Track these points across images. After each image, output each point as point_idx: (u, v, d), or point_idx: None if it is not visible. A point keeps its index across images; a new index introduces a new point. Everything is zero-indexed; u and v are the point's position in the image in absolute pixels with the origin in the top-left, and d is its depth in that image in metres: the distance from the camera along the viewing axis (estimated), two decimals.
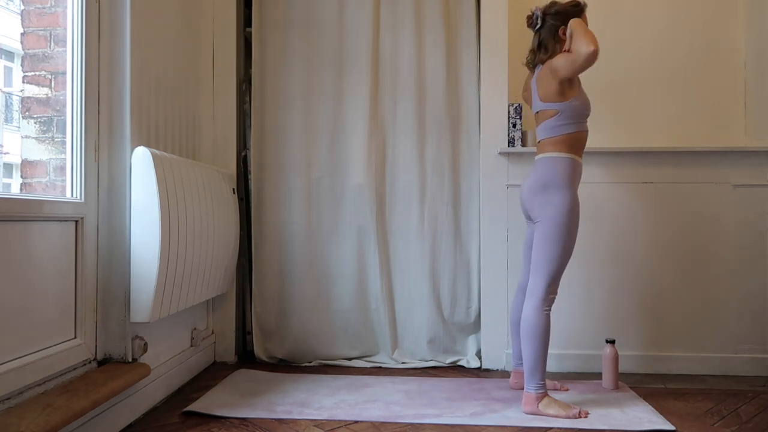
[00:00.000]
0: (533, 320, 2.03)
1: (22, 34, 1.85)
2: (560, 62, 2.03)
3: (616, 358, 2.35)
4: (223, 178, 2.55)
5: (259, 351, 2.76)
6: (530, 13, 2.21)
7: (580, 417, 1.98)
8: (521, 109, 2.70)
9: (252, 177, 2.81)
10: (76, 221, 1.74)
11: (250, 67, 2.84)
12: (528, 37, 2.84)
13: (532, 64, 2.24)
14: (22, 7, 1.85)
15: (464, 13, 2.80)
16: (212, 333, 2.71)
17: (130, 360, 1.88)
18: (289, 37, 2.80)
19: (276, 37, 2.80)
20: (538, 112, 2.17)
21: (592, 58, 1.91)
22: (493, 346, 2.68)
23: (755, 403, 2.21)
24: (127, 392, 1.86)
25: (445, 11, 2.79)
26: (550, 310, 2.06)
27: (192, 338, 2.45)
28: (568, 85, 2.07)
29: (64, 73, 1.80)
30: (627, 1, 2.84)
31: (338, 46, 2.80)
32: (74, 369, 1.70)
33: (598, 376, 2.49)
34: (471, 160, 2.78)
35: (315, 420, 1.96)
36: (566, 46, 2.08)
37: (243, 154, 2.87)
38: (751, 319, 2.62)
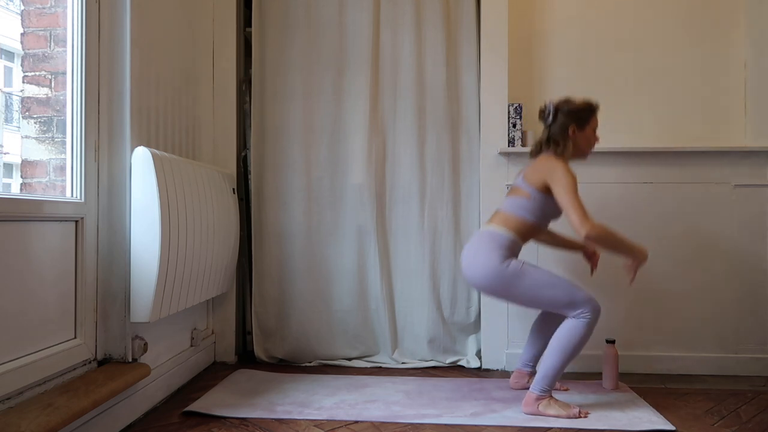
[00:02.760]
0: (575, 331, 2.01)
1: (22, 34, 1.85)
2: (564, 188, 1.98)
3: (616, 358, 2.35)
4: (223, 178, 2.55)
5: (259, 351, 2.76)
6: (543, 106, 2.19)
7: (580, 417, 1.98)
8: (521, 109, 2.70)
9: (252, 177, 2.81)
10: (76, 221, 1.74)
11: (250, 67, 2.84)
12: (528, 38, 2.86)
13: (536, 154, 2.20)
14: (22, 7, 1.85)
15: (464, 13, 2.79)
16: (212, 333, 2.71)
17: (130, 360, 1.88)
18: (289, 37, 2.80)
19: (276, 37, 2.80)
20: (513, 186, 2.19)
21: (577, 233, 1.96)
22: (493, 346, 2.68)
23: (755, 403, 2.21)
24: (127, 392, 1.86)
25: (445, 11, 2.79)
26: (591, 319, 2.02)
27: (192, 338, 2.45)
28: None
29: (64, 73, 1.80)
30: (627, 1, 2.84)
31: (338, 46, 2.80)
32: (74, 369, 1.70)
33: (598, 376, 2.49)
34: (471, 160, 2.78)
35: (315, 420, 1.96)
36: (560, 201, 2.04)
37: (243, 154, 2.87)
38: (751, 319, 2.62)
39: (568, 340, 2.00)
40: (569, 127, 2.11)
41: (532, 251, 2.66)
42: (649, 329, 2.65)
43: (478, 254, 2.06)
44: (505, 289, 2.04)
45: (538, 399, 2.02)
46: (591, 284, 2.66)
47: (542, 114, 2.19)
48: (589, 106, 2.15)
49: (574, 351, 2.00)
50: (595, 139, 2.18)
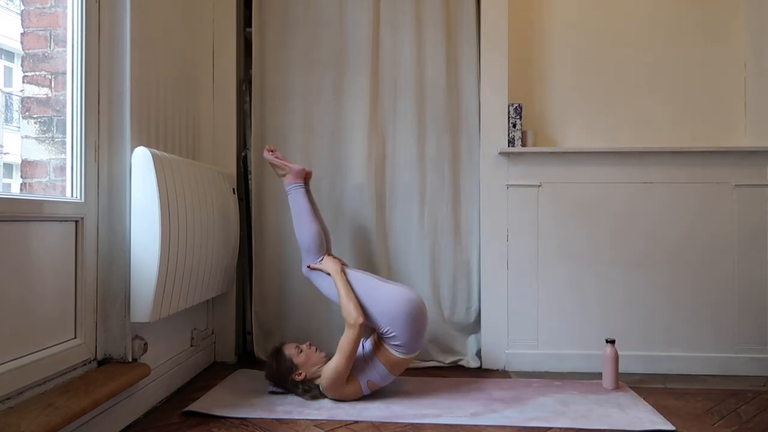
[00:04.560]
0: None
1: (22, 34, 1.85)
2: (332, 369, 2.09)
3: (616, 358, 2.35)
4: (223, 178, 2.55)
5: (259, 351, 2.76)
6: (272, 390, 2.25)
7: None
8: (521, 109, 2.70)
9: (252, 177, 2.81)
10: (76, 221, 1.74)
11: (250, 67, 2.84)
12: (528, 38, 2.86)
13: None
14: (22, 7, 1.85)
15: (464, 13, 2.79)
16: (212, 333, 2.71)
17: (130, 360, 1.88)
18: (289, 37, 2.80)
19: (276, 37, 2.80)
20: None
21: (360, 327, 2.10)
22: (493, 346, 2.68)
23: (755, 403, 2.21)
24: (127, 392, 1.86)
25: (445, 11, 2.78)
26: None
27: (192, 338, 2.45)
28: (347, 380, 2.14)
29: (64, 73, 1.81)
30: (627, 1, 2.84)
31: (338, 46, 2.80)
32: (74, 369, 1.70)
33: (598, 376, 2.49)
34: (471, 160, 2.78)
35: (315, 420, 1.96)
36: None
37: (243, 154, 2.87)
38: (751, 319, 2.62)
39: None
40: (293, 377, 2.18)
41: (531, 255, 2.67)
42: (649, 329, 2.65)
43: None
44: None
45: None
46: (591, 284, 2.67)
47: (278, 393, 2.26)
48: (276, 356, 2.23)
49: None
50: (307, 348, 2.22)
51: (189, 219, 2.08)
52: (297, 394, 2.20)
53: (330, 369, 2.11)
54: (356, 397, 2.15)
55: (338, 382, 2.11)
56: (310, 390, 2.18)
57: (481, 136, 2.72)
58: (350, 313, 2.11)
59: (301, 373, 2.18)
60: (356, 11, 2.79)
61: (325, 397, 2.17)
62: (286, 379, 2.20)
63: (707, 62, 2.82)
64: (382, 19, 2.81)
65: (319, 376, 2.17)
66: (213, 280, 2.40)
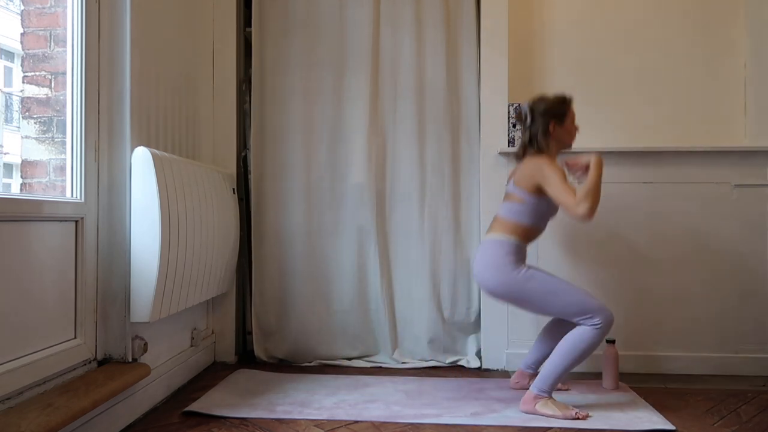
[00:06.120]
0: (584, 337, 1.98)
1: (22, 34, 1.85)
2: (553, 182, 1.99)
3: (616, 358, 2.35)
4: (223, 178, 2.55)
5: (259, 351, 2.76)
6: (518, 109, 2.21)
7: (577, 418, 1.97)
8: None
9: (252, 177, 2.80)
10: (76, 221, 1.74)
11: (250, 67, 2.84)
12: (528, 38, 2.86)
13: (522, 156, 2.20)
14: (22, 7, 1.86)
15: (464, 13, 2.79)
16: (212, 333, 2.71)
17: (130, 360, 1.88)
18: (289, 37, 2.80)
19: (276, 37, 2.80)
20: (507, 192, 2.20)
21: (578, 219, 1.95)
22: (493, 346, 2.68)
23: (755, 403, 2.21)
24: (127, 392, 1.86)
25: (445, 11, 2.78)
26: (602, 328, 1.98)
27: (192, 338, 2.45)
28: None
29: (64, 73, 1.80)
30: (627, 1, 2.84)
31: (338, 46, 2.80)
32: (74, 369, 1.70)
33: (598, 376, 2.49)
34: (471, 160, 2.78)
35: (315, 420, 1.96)
36: (575, 170, 2.09)
37: (243, 154, 2.87)
38: (751, 319, 2.62)
39: (575, 344, 1.99)
40: (549, 125, 2.13)
41: (532, 254, 2.67)
42: (649, 329, 2.65)
43: (489, 265, 2.09)
44: (519, 295, 2.07)
45: (537, 398, 2.02)
46: (591, 284, 2.66)
47: (520, 117, 2.22)
48: (563, 99, 2.17)
49: (580, 356, 1.99)
50: (575, 129, 2.20)
51: (189, 219, 2.08)
52: (524, 125, 2.17)
53: (562, 188, 1.95)
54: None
55: (546, 181, 1.99)
56: (535, 135, 2.11)
57: (481, 136, 2.72)
58: (582, 204, 1.91)
59: (554, 126, 2.12)
60: (356, 11, 2.79)
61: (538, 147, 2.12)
62: (540, 109, 2.12)
63: (707, 62, 2.82)
64: (382, 19, 2.80)
65: (550, 161, 2.04)
66: (213, 280, 2.40)
